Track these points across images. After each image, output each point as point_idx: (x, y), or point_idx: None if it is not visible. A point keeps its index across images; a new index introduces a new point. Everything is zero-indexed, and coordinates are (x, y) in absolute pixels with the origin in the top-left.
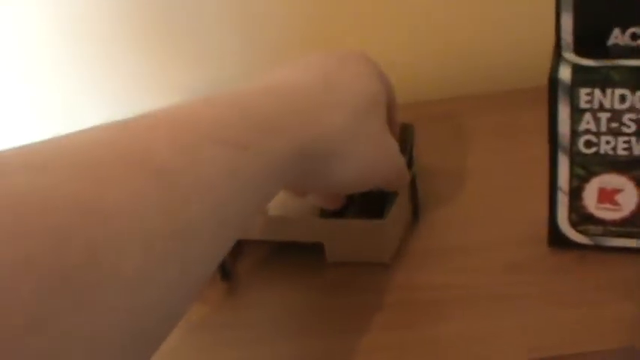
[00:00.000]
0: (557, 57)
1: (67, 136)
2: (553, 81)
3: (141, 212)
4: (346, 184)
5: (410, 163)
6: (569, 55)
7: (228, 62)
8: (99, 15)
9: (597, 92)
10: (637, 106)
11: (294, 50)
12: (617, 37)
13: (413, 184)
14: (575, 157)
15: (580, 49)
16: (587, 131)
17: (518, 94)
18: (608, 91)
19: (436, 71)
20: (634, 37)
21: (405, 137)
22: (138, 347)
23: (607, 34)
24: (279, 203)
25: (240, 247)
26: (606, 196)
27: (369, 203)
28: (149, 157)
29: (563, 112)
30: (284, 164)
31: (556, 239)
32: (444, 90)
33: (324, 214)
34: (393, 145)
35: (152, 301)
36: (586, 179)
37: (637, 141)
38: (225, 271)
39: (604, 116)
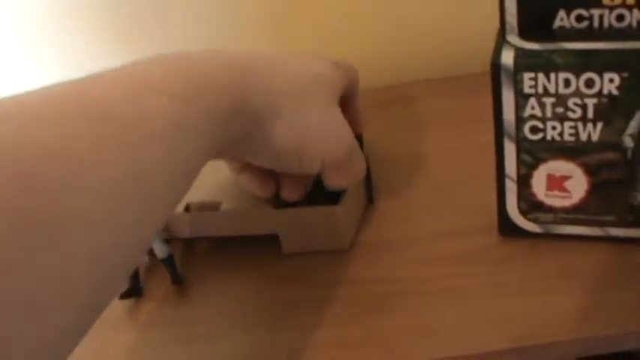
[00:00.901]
0: (501, 41)
1: (28, 93)
2: (495, 66)
3: (101, 160)
4: (288, 151)
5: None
6: (513, 39)
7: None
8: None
9: (541, 77)
10: (582, 91)
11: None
12: (563, 20)
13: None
14: (521, 144)
15: (525, 32)
16: (533, 117)
17: (471, 78)
18: (552, 75)
19: (389, 56)
20: (580, 19)
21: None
22: (103, 291)
23: (552, 16)
24: (233, 198)
25: (192, 247)
26: (555, 183)
27: (325, 195)
28: (106, 110)
29: (508, 98)
30: (223, 118)
31: (507, 228)
32: (398, 75)
33: (278, 205)
34: (342, 123)
35: (116, 243)
36: (534, 166)
37: (583, 126)
38: (176, 276)
39: (549, 101)
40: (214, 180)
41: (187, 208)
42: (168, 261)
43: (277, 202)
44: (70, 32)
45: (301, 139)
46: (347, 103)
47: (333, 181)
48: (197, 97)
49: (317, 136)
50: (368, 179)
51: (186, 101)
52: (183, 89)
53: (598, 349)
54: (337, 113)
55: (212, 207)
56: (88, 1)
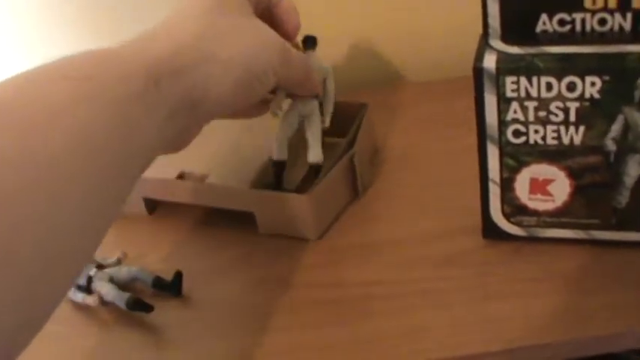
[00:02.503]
0: (484, 45)
1: None
2: (478, 70)
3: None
4: (237, 86)
5: (352, 141)
6: (496, 43)
7: None
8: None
9: (523, 80)
10: (564, 94)
11: None
12: (546, 24)
13: (351, 162)
14: (504, 148)
15: (507, 36)
16: (515, 120)
17: (457, 81)
18: (534, 79)
19: (376, 59)
20: (562, 23)
21: (356, 114)
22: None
23: (535, 20)
24: (221, 174)
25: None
26: (538, 186)
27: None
28: (11, 107)
29: (490, 102)
30: (143, 87)
31: (490, 231)
32: (384, 77)
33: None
34: (263, 29)
35: (41, 214)
36: (517, 169)
37: (566, 130)
38: (176, 287)
39: (531, 105)
40: (211, 152)
41: (180, 176)
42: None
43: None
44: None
45: (241, 66)
46: (273, 6)
47: (297, 92)
48: (100, 73)
49: (253, 55)
50: (353, 174)
51: (89, 78)
52: (82, 68)
53: (582, 351)
54: (256, 23)
55: (200, 179)
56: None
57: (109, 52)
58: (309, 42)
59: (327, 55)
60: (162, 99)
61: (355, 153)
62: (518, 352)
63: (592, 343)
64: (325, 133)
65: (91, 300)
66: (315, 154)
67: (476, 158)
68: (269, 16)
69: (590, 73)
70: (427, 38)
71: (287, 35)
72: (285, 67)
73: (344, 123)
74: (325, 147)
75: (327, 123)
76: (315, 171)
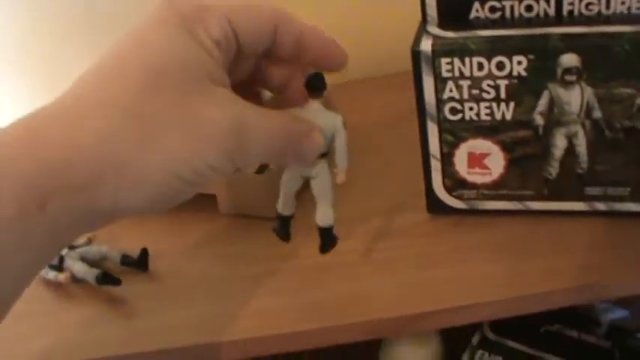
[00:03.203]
0: (422, 31)
1: None
2: (415, 53)
3: None
4: (158, 195)
5: None
6: (433, 29)
7: None
8: None
9: (457, 61)
10: (494, 73)
11: None
12: (478, 11)
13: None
14: (442, 124)
15: (444, 23)
16: (451, 99)
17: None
18: (467, 59)
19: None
20: (492, 10)
21: None
22: None
23: (468, 8)
24: None
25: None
26: (475, 160)
27: None
28: None
29: (428, 82)
30: (17, 212)
31: (434, 205)
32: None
33: None
34: (207, 113)
35: None
36: (455, 145)
37: (497, 106)
38: (142, 263)
39: (465, 84)
40: None
41: None
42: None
43: None
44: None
45: (176, 172)
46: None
47: (284, 164)
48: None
49: (185, 152)
50: None
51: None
52: None
53: (517, 309)
54: (204, 105)
55: None
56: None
57: None
58: (314, 85)
59: None
60: (48, 221)
61: None
62: (457, 311)
63: (525, 301)
64: None
65: (62, 277)
66: (322, 216)
67: (418, 144)
68: (295, 52)
69: (517, 52)
70: (365, 36)
71: (334, 68)
72: (246, 152)
73: None
74: None
75: (343, 179)
76: (323, 234)
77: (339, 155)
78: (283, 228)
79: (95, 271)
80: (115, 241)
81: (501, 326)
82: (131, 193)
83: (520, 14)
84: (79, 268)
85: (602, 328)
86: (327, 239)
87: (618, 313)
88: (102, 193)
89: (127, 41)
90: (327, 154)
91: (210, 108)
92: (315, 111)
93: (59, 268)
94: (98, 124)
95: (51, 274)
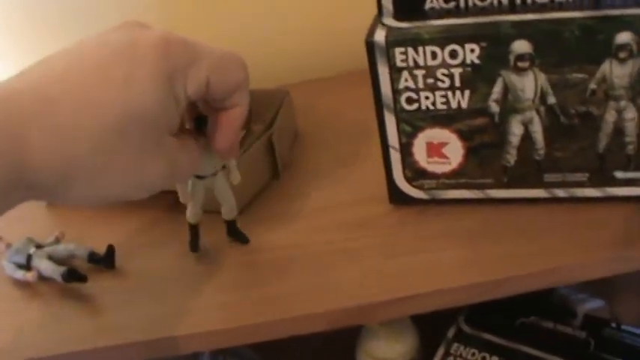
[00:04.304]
0: (376, 23)
1: None
2: (370, 44)
3: None
4: (86, 204)
5: (272, 123)
6: (388, 20)
7: None
8: None
9: (410, 51)
10: (447, 61)
11: None
12: (433, 2)
13: (270, 147)
14: (399, 114)
15: (399, 14)
16: (407, 89)
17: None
18: (420, 49)
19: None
20: (447, 0)
21: (273, 101)
22: None
23: None
24: None
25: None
26: (434, 149)
27: None
28: None
29: (383, 73)
30: None
31: (396, 196)
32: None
33: None
34: (153, 170)
35: None
36: (413, 135)
37: (452, 95)
38: (109, 260)
39: (420, 73)
40: None
41: None
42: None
43: None
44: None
45: (106, 198)
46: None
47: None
48: None
49: (122, 192)
50: (272, 153)
51: None
52: None
53: (478, 296)
54: (152, 159)
55: None
56: None
57: None
58: (201, 123)
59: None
60: (5, 205)
61: (273, 132)
62: (420, 299)
63: (488, 286)
64: (249, 120)
65: (29, 276)
66: (227, 212)
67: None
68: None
69: (469, 40)
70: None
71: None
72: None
73: (268, 110)
74: (250, 133)
75: (238, 177)
76: (229, 225)
77: (230, 162)
78: (194, 239)
79: (61, 269)
80: (83, 239)
81: (477, 319)
82: (80, 196)
83: (474, 4)
84: (45, 266)
85: (578, 318)
86: (232, 229)
87: (594, 304)
88: (55, 193)
89: (116, 67)
90: (224, 167)
91: (157, 163)
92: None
93: (27, 267)
94: (71, 149)
95: (19, 274)
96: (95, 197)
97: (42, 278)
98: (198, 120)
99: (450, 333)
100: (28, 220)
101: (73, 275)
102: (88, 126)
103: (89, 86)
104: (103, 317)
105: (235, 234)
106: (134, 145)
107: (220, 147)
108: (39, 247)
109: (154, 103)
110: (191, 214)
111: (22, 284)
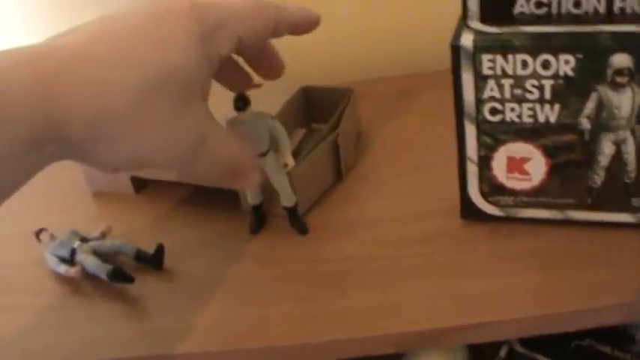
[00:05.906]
0: (462, 26)
1: None
2: (455, 48)
3: None
4: (126, 167)
5: (337, 124)
6: (474, 24)
7: None
8: None
9: (499, 58)
10: (539, 72)
11: None
12: (523, 6)
13: (336, 148)
14: (481, 125)
15: (486, 18)
16: (492, 98)
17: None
18: (510, 57)
19: (386, 49)
20: (539, 5)
21: (342, 100)
22: None
23: (513, 2)
24: None
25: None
26: (515, 165)
27: None
28: None
29: (467, 80)
30: (17, 153)
31: (468, 211)
32: (395, 67)
33: None
34: (186, 130)
35: None
36: (494, 148)
37: (541, 108)
38: (157, 260)
39: (507, 83)
40: None
41: None
42: None
43: None
44: None
45: (138, 159)
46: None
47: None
48: None
49: (153, 152)
50: (336, 155)
51: None
52: None
53: (555, 327)
54: (183, 122)
55: None
56: None
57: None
58: (239, 102)
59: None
60: (42, 159)
61: (339, 133)
62: (487, 327)
63: (563, 318)
64: (312, 119)
65: (73, 271)
66: (285, 198)
67: (452, 146)
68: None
69: (564, 51)
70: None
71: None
72: (195, 163)
73: (331, 109)
74: (311, 132)
75: (291, 161)
76: (290, 212)
77: (282, 144)
78: (255, 221)
79: (107, 267)
80: (130, 236)
81: (530, 339)
82: (111, 154)
83: (568, 10)
84: (90, 262)
85: (638, 344)
86: (293, 216)
87: None
88: (87, 150)
89: (154, 30)
90: (269, 150)
91: (189, 123)
92: (250, 115)
93: (71, 261)
94: (115, 103)
95: (62, 268)
96: (126, 157)
97: (85, 274)
98: (238, 100)
99: (503, 352)
100: (72, 211)
101: (120, 275)
102: (125, 81)
103: (129, 45)
104: (145, 323)
105: (295, 223)
106: (169, 103)
107: (266, 72)
108: (83, 240)
109: (190, 63)
110: (250, 195)
111: (63, 279)
